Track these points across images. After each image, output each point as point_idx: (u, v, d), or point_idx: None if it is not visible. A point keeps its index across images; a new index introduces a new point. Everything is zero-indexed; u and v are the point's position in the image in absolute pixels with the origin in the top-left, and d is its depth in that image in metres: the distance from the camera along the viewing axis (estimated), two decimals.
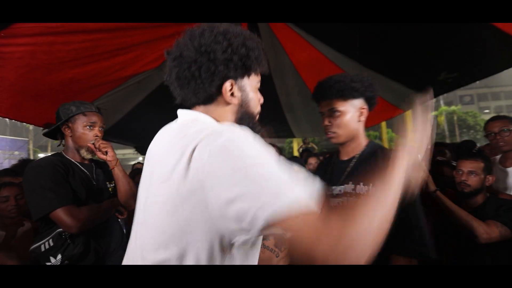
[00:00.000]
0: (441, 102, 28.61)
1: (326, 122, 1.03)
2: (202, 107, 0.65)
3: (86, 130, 1.23)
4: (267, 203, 0.43)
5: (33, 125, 2.76)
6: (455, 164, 1.55)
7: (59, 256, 1.07)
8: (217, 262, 0.53)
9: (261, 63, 0.65)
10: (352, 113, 1.00)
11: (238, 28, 0.63)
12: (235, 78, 0.63)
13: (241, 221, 0.45)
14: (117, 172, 1.25)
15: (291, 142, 11.68)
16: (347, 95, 0.99)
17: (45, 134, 1.39)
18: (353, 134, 1.03)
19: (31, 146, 17.52)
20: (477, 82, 2.65)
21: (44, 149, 20.39)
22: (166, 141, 0.61)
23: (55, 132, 1.34)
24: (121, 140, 3.98)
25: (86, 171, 1.27)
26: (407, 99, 3.34)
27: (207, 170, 0.48)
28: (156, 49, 2.39)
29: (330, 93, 1.00)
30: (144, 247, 0.57)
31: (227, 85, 0.62)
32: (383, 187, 0.51)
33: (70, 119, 1.25)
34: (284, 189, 0.45)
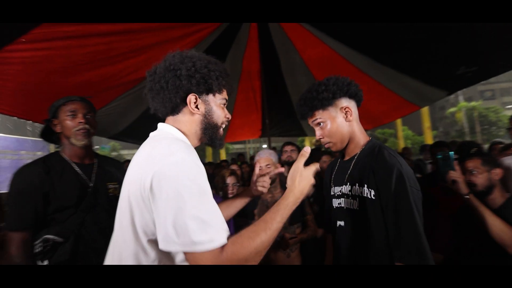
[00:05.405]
0: (460, 97, 27.43)
1: (318, 135, 1.05)
2: (171, 118, 0.78)
3: (68, 119, 1.24)
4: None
5: None
6: None
7: (46, 262, 1.06)
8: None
9: (222, 84, 0.78)
10: (337, 118, 1.01)
11: (204, 55, 0.78)
12: (199, 93, 0.75)
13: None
14: None
15: (303, 140, 11.60)
16: (320, 107, 1.01)
17: (42, 137, 1.34)
18: (348, 136, 1.04)
19: (52, 146, 18.25)
20: (499, 76, 2.52)
21: None
22: (140, 158, 0.70)
23: (50, 135, 1.31)
24: (135, 140, 4.08)
25: (80, 172, 1.22)
26: (423, 95, 3.22)
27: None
28: (166, 51, 2.42)
29: (306, 110, 1.04)
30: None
31: (191, 97, 0.74)
32: (270, 216, 0.67)
33: (55, 114, 1.27)
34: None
